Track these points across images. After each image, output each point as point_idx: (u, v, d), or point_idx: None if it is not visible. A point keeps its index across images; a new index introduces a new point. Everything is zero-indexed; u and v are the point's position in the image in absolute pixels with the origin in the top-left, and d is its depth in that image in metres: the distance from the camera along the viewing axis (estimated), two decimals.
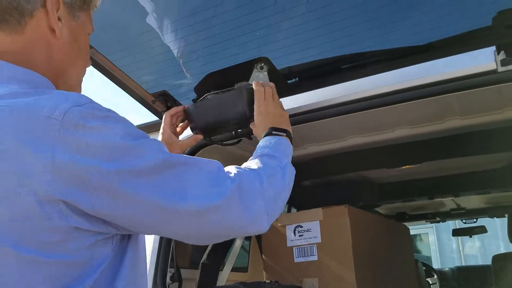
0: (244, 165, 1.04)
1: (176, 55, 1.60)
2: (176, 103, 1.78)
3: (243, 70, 1.53)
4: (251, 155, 2.22)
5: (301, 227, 2.11)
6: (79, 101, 0.73)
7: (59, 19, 0.86)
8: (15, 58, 0.83)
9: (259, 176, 0.96)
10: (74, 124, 0.70)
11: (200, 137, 1.54)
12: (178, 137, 1.53)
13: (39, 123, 0.69)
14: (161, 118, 1.83)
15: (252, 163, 1.04)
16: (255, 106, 1.35)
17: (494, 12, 1.27)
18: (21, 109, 0.71)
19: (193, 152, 1.98)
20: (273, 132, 1.23)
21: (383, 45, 1.52)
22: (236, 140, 1.90)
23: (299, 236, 2.10)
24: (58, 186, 0.69)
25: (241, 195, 0.87)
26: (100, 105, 0.77)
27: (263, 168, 1.01)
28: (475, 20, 1.34)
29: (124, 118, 0.79)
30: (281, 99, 1.43)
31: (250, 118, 1.41)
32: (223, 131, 1.62)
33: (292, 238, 2.11)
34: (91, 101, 0.75)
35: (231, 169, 0.93)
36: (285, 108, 1.48)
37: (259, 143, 1.20)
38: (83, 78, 0.98)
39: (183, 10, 1.48)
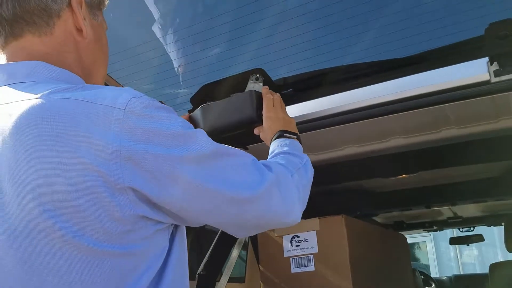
0: (269, 160, 1.08)
1: (171, 67, 1.61)
2: None
3: (239, 81, 1.54)
4: None
5: (298, 237, 2.11)
6: (135, 93, 0.75)
7: (83, 18, 0.87)
8: (47, 59, 0.83)
9: (288, 169, 1.00)
10: (137, 114, 0.71)
11: None
12: None
13: (103, 113, 0.70)
14: None
15: (277, 159, 1.08)
16: (264, 111, 1.38)
17: (486, 23, 1.28)
18: (82, 100, 0.71)
19: None
20: (285, 134, 1.26)
21: (377, 56, 1.53)
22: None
23: (296, 246, 2.09)
24: (127, 173, 0.69)
25: (279, 184, 0.90)
26: (152, 98, 0.78)
27: (289, 163, 1.05)
28: (468, 31, 1.35)
29: (171, 108, 0.81)
30: None
31: (256, 123, 1.43)
32: (226, 138, 1.61)
33: (289, 248, 2.11)
34: (143, 94, 0.77)
35: (264, 162, 0.96)
36: None
37: (273, 144, 1.23)
38: None
39: (179, 22, 1.49)
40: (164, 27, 1.52)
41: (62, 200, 0.68)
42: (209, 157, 0.78)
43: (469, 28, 1.34)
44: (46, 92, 0.73)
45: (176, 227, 0.83)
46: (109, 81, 1.58)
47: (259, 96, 1.44)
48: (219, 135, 1.55)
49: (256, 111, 1.43)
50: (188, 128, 0.77)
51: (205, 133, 0.82)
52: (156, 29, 1.53)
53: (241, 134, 1.56)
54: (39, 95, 0.73)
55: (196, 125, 1.55)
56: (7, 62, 0.83)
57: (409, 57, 1.46)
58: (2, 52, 0.85)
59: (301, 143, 1.27)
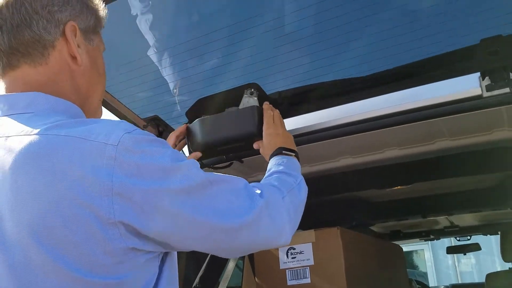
0: (263, 181, 1.10)
1: (167, 81, 1.62)
2: (168, 127, 1.79)
3: (234, 96, 1.55)
4: (243, 177, 2.22)
5: (294, 249, 2.11)
6: (128, 128, 0.77)
7: (78, 46, 0.89)
8: (44, 89, 0.85)
9: (280, 191, 1.01)
10: (129, 149, 0.74)
11: (199, 154, 1.55)
12: None
13: (97, 149, 0.72)
14: None
15: (271, 179, 1.09)
16: (264, 127, 1.41)
17: (477, 39, 1.30)
18: (76, 136, 0.74)
19: None
20: (283, 151, 1.29)
21: (370, 70, 1.54)
22: (227, 163, 1.92)
23: (292, 258, 2.10)
24: (118, 208, 0.71)
25: (268, 209, 0.91)
26: (144, 131, 0.81)
27: (282, 184, 1.06)
28: (460, 46, 1.36)
29: (164, 140, 0.84)
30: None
31: (256, 137, 1.45)
32: (222, 150, 1.62)
33: (284, 261, 2.11)
34: (136, 127, 0.79)
35: (256, 185, 0.98)
36: None
37: (272, 161, 1.26)
38: None
39: (174, 37, 1.51)
40: (161, 42, 1.53)
41: (58, 235, 0.70)
42: (199, 188, 0.80)
43: (461, 43, 1.35)
44: (44, 127, 0.76)
45: (166, 252, 0.85)
46: (106, 96, 1.59)
47: (260, 111, 1.46)
48: (216, 147, 1.56)
49: (257, 126, 1.45)
50: (178, 161, 0.79)
51: (196, 163, 0.84)
52: (152, 43, 1.54)
53: (238, 147, 1.57)
54: (37, 131, 0.75)
55: (193, 137, 1.55)
56: (6, 92, 0.86)
57: (403, 72, 1.47)
58: (1, 81, 0.88)
59: (299, 160, 1.30)
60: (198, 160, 1.76)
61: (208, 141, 1.56)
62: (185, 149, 1.62)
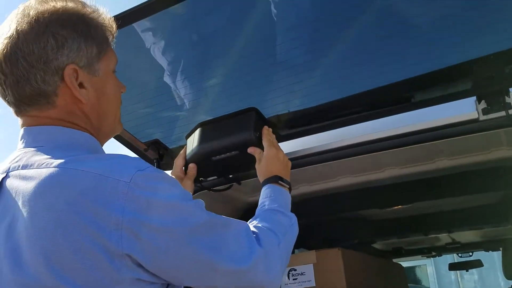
0: (260, 218, 1.10)
1: (167, 106, 1.64)
2: (168, 151, 1.81)
3: (233, 120, 1.56)
4: (243, 197, 2.21)
5: (295, 270, 2.11)
6: (140, 165, 0.82)
7: (81, 85, 0.90)
8: (60, 124, 0.90)
9: (277, 237, 1.03)
10: (141, 186, 0.78)
11: (193, 170, 1.55)
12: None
13: (110, 185, 0.77)
14: (153, 165, 1.86)
15: (267, 219, 1.10)
16: (266, 148, 1.40)
17: (473, 64, 1.32)
18: (93, 172, 0.78)
19: None
20: (279, 181, 1.29)
21: (372, 93, 1.55)
22: (227, 185, 1.93)
23: (293, 279, 2.09)
24: (127, 242, 0.76)
25: (266, 259, 0.93)
26: (152, 167, 0.85)
27: (278, 227, 1.07)
28: (456, 70, 1.38)
29: (174, 179, 0.90)
30: None
31: (252, 144, 1.45)
32: (217, 161, 1.60)
33: (286, 282, 2.10)
34: (149, 165, 0.84)
35: (255, 229, 1.00)
36: None
37: (266, 190, 1.27)
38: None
39: (174, 63, 1.53)
40: (162, 68, 1.55)
41: (68, 262, 0.75)
42: (203, 229, 0.84)
43: (457, 68, 1.37)
44: (63, 161, 0.81)
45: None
46: None
47: (258, 117, 1.46)
48: (212, 156, 1.56)
49: (253, 132, 1.45)
50: (187, 201, 0.84)
51: (202, 204, 0.88)
52: (154, 69, 1.56)
53: (233, 158, 1.56)
54: (56, 163, 0.81)
55: (191, 147, 1.56)
56: (27, 126, 0.91)
57: (400, 97, 1.49)
58: (19, 117, 0.93)
59: (290, 191, 1.31)
60: (196, 178, 1.77)
61: (201, 150, 1.56)
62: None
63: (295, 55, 1.42)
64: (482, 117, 1.39)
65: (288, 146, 1.77)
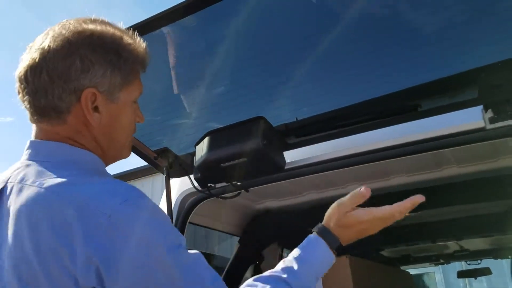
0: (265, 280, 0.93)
1: (177, 114, 1.66)
2: (177, 159, 1.83)
3: (241, 128, 1.58)
4: (251, 204, 2.21)
5: None
6: (128, 196, 0.80)
7: (96, 108, 0.92)
8: (65, 141, 0.92)
9: None
10: (121, 220, 0.77)
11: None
12: None
13: (91, 217, 0.76)
14: (163, 172, 1.88)
15: None
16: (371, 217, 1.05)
17: (480, 73, 1.33)
18: (78, 199, 0.78)
19: (193, 205, 2.01)
20: (329, 242, 1.02)
21: (379, 100, 1.56)
22: (235, 192, 1.94)
23: None
24: (96, 276, 0.75)
25: None
26: (145, 199, 0.83)
27: None
28: (463, 79, 1.39)
29: (162, 213, 0.86)
30: None
31: (260, 152, 1.44)
32: (226, 168, 1.60)
33: None
34: (137, 194, 0.82)
35: None
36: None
37: (300, 246, 1.02)
38: None
39: (185, 72, 1.55)
40: (170, 76, 1.57)
41: (38, 284, 0.76)
42: (176, 270, 0.79)
43: (464, 76, 1.38)
44: (54, 183, 0.82)
45: None
46: None
47: (266, 125, 1.46)
48: (221, 163, 1.57)
49: (262, 140, 1.45)
50: (169, 240, 0.81)
51: (183, 242, 0.84)
52: (163, 78, 1.58)
53: (242, 164, 1.57)
54: (48, 185, 0.82)
55: (200, 154, 1.58)
56: (35, 137, 0.94)
57: (407, 106, 1.50)
58: (32, 124, 0.96)
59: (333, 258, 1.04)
60: (204, 184, 1.77)
61: (210, 157, 1.58)
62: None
63: (302, 65, 1.44)
64: (489, 126, 1.39)
65: (296, 154, 1.78)
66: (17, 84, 0.92)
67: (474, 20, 1.32)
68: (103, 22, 0.96)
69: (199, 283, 0.81)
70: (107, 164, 1.00)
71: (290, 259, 0.98)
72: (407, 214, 2.38)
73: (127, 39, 0.96)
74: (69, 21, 0.93)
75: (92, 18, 0.96)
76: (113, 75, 0.92)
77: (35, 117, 0.92)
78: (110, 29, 0.95)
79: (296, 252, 1.00)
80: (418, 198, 1.04)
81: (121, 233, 0.76)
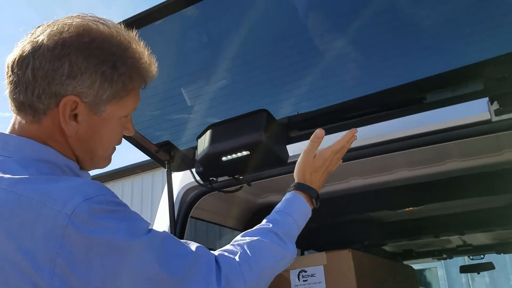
0: (248, 244, 0.97)
1: (179, 107, 1.65)
2: (179, 152, 1.82)
3: (243, 121, 1.57)
4: (253, 198, 2.20)
5: (305, 271, 2.10)
6: (89, 193, 0.76)
7: (75, 117, 0.87)
8: (35, 138, 0.87)
9: (251, 271, 0.90)
10: (82, 220, 0.73)
11: None
12: None
13: (51, 217, 0.73)
14: (164, 166, 1.87)
15: (255, 243, 0.97)
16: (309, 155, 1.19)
17: (485, 65, 1.32)
18: (36, 199, 0.74)
19: (195, 199, 2.01)
20: (307, 192, 1.14)
21: (383, 94, 1.55)
22: (238, 186, 1.93)
23: (303, 281, 2.08)
24: (57, 280, 0.71)
25: None
26: (110, 196, 0.79)
27: (260, 259, 0.94)
28: (468, 71, 1.38)
29: (130, 211, 0.81)
30: None
31: (262, 144, 1.43)
32: (227, 162, 1.59)
33: (296, 283, 2.09)
34: (101, 192, 0.78)
35: (231, 258, 0.90)
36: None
37: (283, 201, 1.12)
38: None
39: (187, 65, 1.54)
40: (173, 70, 1.56)
41: None
42: (149, 275, 0.76)
43: (469, 68, 1.37)
44: (13, 181, 0.78)
45: None
46: None
47: (268, 118, 1.44)
48: (222, 156, 1.56)
49: (265, 133, 1.43)
50: (132, 237, 0.76)
51: (161, 237, 0.80)
52: (165, 71, 1.57)
53: (243, 158, 1.56)
54: (6, 184, 0.78)
55: (202, 148, 1.57)
56: (9, 129, 0.90)
57: (411, 99, 1.49)
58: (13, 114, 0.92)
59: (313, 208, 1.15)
60: (206, 178, 1.76)
61: (211, 151, 1.56)
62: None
63: (305, 57, 1.43)
64: (495, 118, 1.38)
65: (298, 148, 1.77)
66: (5, 70, 0.88)
67: (479, 13, 1.30)
68: (114, 27, 0.90)
69: (174, 268, 0.78)
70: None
71: (273, 214, 1.08)
72: (410, 208, 2.36)
73: (132, 51, 0.90)
74: (76, 19, 0.88)
75: (103, 20, 0.89)
76: (102, 88, 0.87)
77: (13, 108, 0.89)
78: (117, 37, 0.89)
79: (277, 208, 1.10)
80: (354, 130, 1.23)
81: (82, 234, 0.72)
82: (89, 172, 0.98)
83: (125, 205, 0.82)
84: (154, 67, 0.96)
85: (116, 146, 1.00)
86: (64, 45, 0.84)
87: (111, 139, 0.95)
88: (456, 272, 9.63)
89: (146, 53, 0.93)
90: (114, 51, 0.87)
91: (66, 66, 0.83)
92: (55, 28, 0.86)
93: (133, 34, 0.93)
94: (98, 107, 0.88)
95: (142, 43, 0.93)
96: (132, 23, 1.25)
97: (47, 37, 0.85)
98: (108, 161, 0.99)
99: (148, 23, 1.29)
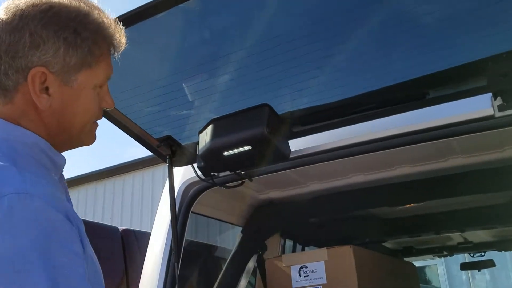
0: None
1: (180, 102, 1.65)
2: (180, 147, 1.82)
3: (246, 116, 1.57)
4: (255, 194, 2.20)
5: (306, 267, 2.10)
6: (19, 188, 0.73)
7: (47, 90, 0.85)
8: (8, 118, 0.85)
9: None
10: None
11: None
12: None
13: None
14: (165, 161, 1.86)
15: None
16: None
17: (489, 60, 1.31)
18: None
19: (196, 194, 2.00)
20: None
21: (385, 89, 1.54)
22: (238, 182, 1.93)
23: (304, 277, 2.09)
24: None
25: None
26: (33, 198, 0.73)
27: None
28: (472, 67, 1.37)
29: (40, 212, 0.74)
30: None
31: (265, 139, 1.41)
32: (229, 158, 1.58)
33: (297, 279, 2.10)
34: (15, 190, 0.73)
35: None
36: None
37: None
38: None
39: (189, 59, 1.53)
40: (175, 64, 1.56)
41: None
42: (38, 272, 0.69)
43: (473, 64, 1.36)
44: None
45: None
46: (120, 117, 1.61)
47: (270, 113, 1.44)
48: (224, 151, 1.56)
49: (267, 127, 1.43)
50: (35, 249, 0.69)
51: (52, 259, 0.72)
52: (167, 65, 1.57)
53: (245, 154, 1.55)
54: None
55: (203, 143, 1.57)
56: None
57: (414, 94, 1.48)
58: None
59: None
60: (208, 173, 1.76)
61: (213, 145, 1.56)
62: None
63: (308, 52, 1.42)
64: (498, 114, 1.37)
65: (300, 143, 1.77)
66: None
67: (482, 9, 1.29)
68: None
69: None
70: (61, 150, 0.93)
71: None
72: (411, 205, 2.35)
73: (94, 16, 0.88)
74: None
75: None
76: (67, 54, 0.85)
77: None
78: (75, 4, 0.87)
79: None
80: None
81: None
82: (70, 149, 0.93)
83: (49, 210, 0.76)
84: (120, 33, 0.93)
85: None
86: (22, 16, 0.83)
87: (88, 111, 0.92)
88: (456, 269, 9.63)
89: (111, 20, 0.92)
90: (73, 17, 0.86)
91: (27, 36, 0.82)
92: (11, 2, 0.85)
93: (96, 3, 0.92)
94: (68, 76, 0.86)
95: (106, 12, 0.92)
96: (133, 16, 1.25)
97: (3, 11, 0.84)
98: (91, 137, 0.97)
99: (149, 16, 1.29)
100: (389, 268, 2.52)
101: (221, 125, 1.57)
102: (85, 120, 0.93)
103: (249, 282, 2.60)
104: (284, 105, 1.60)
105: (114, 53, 0.95)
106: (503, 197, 2.50)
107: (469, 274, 9.81)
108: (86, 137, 0.96)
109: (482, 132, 1.44)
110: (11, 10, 0.83)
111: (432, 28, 1.36)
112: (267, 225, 2.48)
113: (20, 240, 0.70)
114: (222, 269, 2.42)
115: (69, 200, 0.92)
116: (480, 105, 1.42)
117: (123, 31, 0.95)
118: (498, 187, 2.09)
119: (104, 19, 0.91)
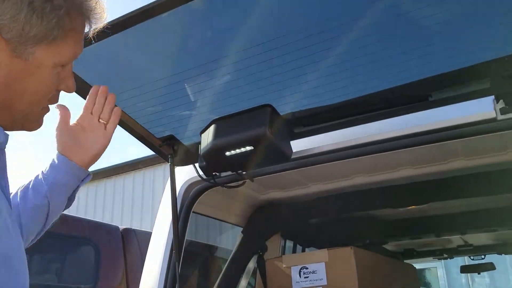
0: None
1: (183, 102, 1.65)
2: (182, 146, 1.82)
3: (248, 116, 1.57)
4: (256, 194, 2.21)
5: (307, 268, 2.10)
6: None
7: None
8: None
9: None
10: None
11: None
12: None
13: None
14: (167, 160, 1.86)
15: None
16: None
17: (491, 63, 1.31)
18: None
19: (198, 194, 2.01)
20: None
21: (387, 92, 1.54)
22: (240, 182, 1.93)
23: (305, 278, 2.09)
24: None
25: None
26: None
27: None
28: (474, 70, 1.37)
29: None
30: None
31: (267, 140, 1.42)
32: (231, 158, 1.59)
33: (297, 280, 2.10)
34: None
35: None
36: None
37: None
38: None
39: (191, 59, 1.53)
40: (178, 64, 1.56)
41: None
42: None
43: (475, 67, 1.36)
44: None
45: None
46: (122, 116, 1.61)
47: (273, 113, 1.44)
48: (226, 151, 1.56)
49: (269, 128, 1.43)
50: None
51: None
52: (169, 65, 1.57)
53: (247, 154, 1.55)
54: None
55: (205, 143, 1.57)
56: None
57: (416, 96, 1.48)
58: None
59: None
60: (209, 173, 1.76)
61: (215, 145, 1.56)
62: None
63: (311, 53, 1.42)
64: (500, 117, 1.37)
65: (302, 144, 1.77)
66: None
67: (485, 11, 1.29)
68: None
69: None
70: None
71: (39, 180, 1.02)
72: (413, 207, 2.35)
73: None
74: None
75: None
76: (28, 22, 0.71)
77: None
78: None
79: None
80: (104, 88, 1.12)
81: None
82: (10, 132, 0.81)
83: None
84: (102, 8, 0.82)
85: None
86: None
87: (39, 92, 0.80)
88: (456, 272, 9.63)
89: None
90: None
91: None
92: None
93: None
94: (24, 48, 0.74)
95: None
96: (136, 16, 1.25)
97: None
98: (36, 122, 0.84)
99: (152, 16, 1.29)
100: (389, 270, 2.51)
101: (223, 125, 1.57)
102: (35, 100, 0.80)
103: (249, 282, 2.60)
104: (286, 106, 1.60)
105: (89, 31, 0.83)
106: (505, 200, 2.50)
107: (469, 277, 9.80)
108: (31, 121, 0.83)
109: (484, 134, 1.44)
110: None
111: (435, 30, 1.36)
112: (267, 225, 2.48)
113: None
114: (222, 269, 2.42)
115: (4, 178, 0.81)
116: (482, 108, 1.42)
117: (105, 7, 0.83)
118: (500, 190, 2.08)
119: None
